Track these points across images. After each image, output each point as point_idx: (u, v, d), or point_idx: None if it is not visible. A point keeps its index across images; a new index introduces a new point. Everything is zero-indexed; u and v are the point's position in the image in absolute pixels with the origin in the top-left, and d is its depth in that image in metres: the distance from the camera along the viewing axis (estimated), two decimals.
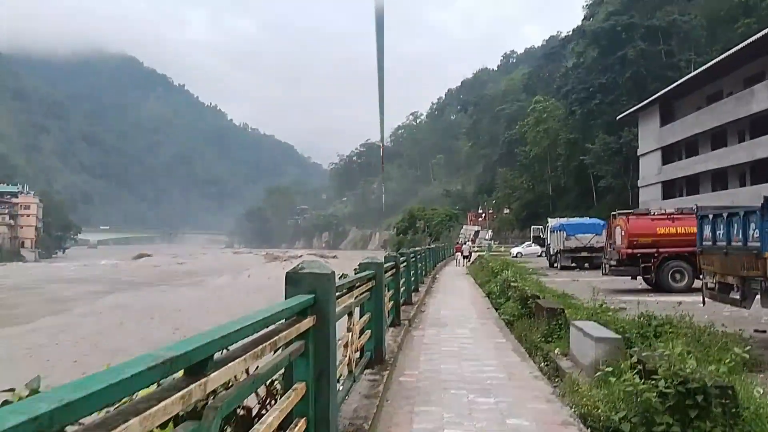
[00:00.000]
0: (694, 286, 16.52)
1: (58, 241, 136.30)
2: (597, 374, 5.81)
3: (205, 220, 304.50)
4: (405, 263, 12.40)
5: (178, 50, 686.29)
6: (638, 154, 48.60)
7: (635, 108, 47.28)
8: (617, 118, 51.61)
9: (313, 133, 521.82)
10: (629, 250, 17.07)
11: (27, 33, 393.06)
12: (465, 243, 45.27)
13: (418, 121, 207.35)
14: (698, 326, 7.31)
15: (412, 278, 15.02)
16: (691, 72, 42.73)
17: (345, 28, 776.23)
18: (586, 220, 30.58)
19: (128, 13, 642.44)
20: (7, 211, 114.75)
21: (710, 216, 8.83)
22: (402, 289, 11.70)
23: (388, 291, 8.02)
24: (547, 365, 7.55)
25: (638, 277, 17.87)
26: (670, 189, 42.92)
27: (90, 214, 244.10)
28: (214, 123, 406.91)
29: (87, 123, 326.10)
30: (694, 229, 16.68)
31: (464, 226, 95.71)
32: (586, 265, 28.20)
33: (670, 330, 6.87)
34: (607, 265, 18.39)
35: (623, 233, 17.40)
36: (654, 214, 18.17)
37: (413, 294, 14.29)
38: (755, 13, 46.84)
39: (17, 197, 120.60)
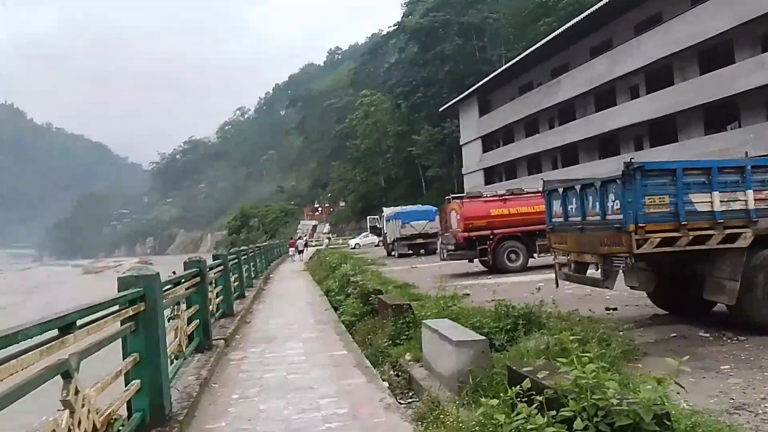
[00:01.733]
0: (529, 265, 16.80)
1: None
2: (463, 391, 4.50)
3: (8, 234, 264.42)
4: (220, 267, 10.11)
5: None
6: (461, 143, 50.91)
7: (455, 100, 49.39)
8: (440, 110, 53.65)
9: (131, 132, 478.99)
10: (465, 234, 16.80)
11: None
12: (300, 238, 43.55)
13: (245, 117, 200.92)
14: (571, 316, 6.41)
15: (236, 283, 12.83)
16: (502, 66, 45.57)
17: (158, 25, 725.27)
18: (419, 207, 30.95)
19: None
20: None
21: (560, 190, 7.97)
22: (218, 300, 9.67)
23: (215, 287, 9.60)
24: (397, 375, 6.16)
25: (475, 260, 17.75)
26: (491, 175, 45.47)
27: None
28: (8, 124, 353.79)
29: None
30: (527, 209, 16.95)
31: (301, 222, 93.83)
32: (422, 251, 28.60)
33: (542, 323, 5.85)
34: (444, 251, 18.03)
35: (458, 217, 17.13)
36: (486, 197, 18.15)
37: (237, 302, 12.12)
38: (554, 13, 51.45)
39: None
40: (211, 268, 8.76)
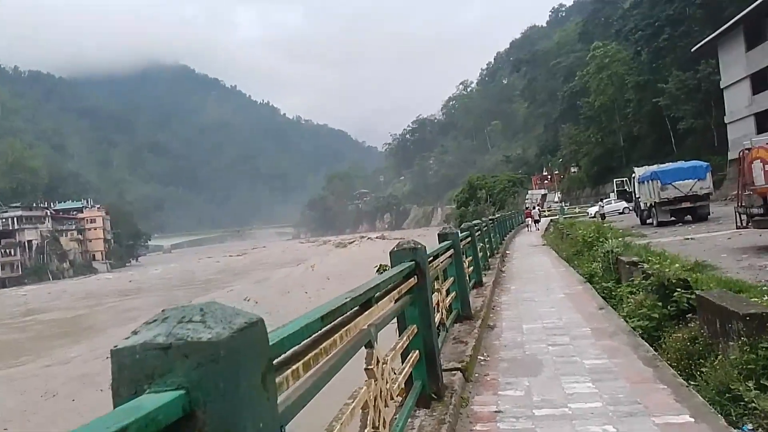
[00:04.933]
0: None
1: (129, 250, 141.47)
2: None
3: (273, 214, 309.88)
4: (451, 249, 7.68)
5: (228, 51, 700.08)
6: (722, 86, 43.24)
7: (713, 35, 41.97)
8: (693, 50, 46.23)
9: (365, 117, 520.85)
10: None
11: (86, 56, 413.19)
12: (535, 207, 41.78)
13: (468, 90, 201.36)
14: None
15: (470, 268, 9.67)
16: None
17: (383, 7, 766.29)
18: (683, 163, 25.77)
19: (178, 23, 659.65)
20: (74, 227, 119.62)
21: None
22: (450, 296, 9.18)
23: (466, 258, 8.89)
24: None
25: None
26: (765, 121, 37.72)
27: (163, 220, 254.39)
28: (269, 119, 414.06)
29: (151, 133, 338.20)
30: None
31: (529, 191, 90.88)
32: (688, 217, 24.17)
33: None
34: (743, 216, 13.69)
35: None
36: None
37: (473, 293, 9.27)
38: None
39: (82, 212, 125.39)
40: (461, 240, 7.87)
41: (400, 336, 3.76)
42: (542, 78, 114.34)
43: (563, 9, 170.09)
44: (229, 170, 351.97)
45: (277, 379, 1.43)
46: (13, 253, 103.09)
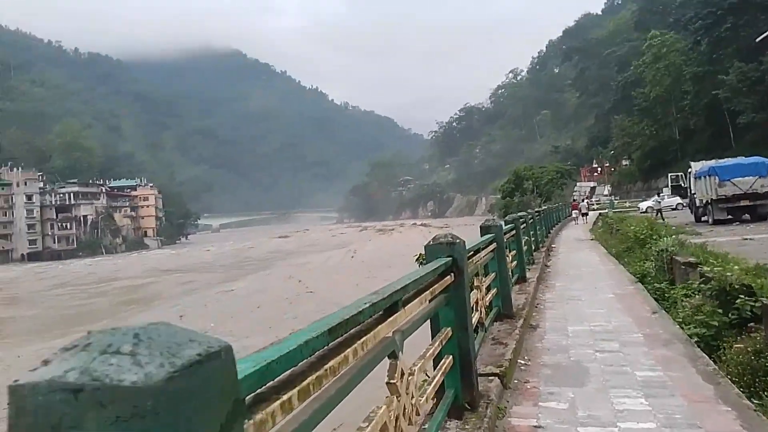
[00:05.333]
0: None
1: (179, 228, 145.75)
2: None
3: (317, 199, 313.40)
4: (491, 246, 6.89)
5: (277, 38, 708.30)
6: None
7: None
8: (756, 40, 43.68)
9: (411, 104, 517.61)
10: None
11: (141, 39, 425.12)
12: (584, 200, 40.57)
13: (518, 79, 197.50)
14: None
15: (513, 262, 9.03)
16: None
17: None
18: (743, 159, 24.29)
19: (228, 8, 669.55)
20: (128, 203, 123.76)
21: None
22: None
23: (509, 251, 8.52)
24: None
25: None
26: None
27: (211, 202, 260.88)
28: (317, 105, 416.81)
29: (201, 117, 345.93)
30: None
31: (578, 183, 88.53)
32: (746, 216, 22.77)
33: None
34: None
35: None
36: None
37: (516, 288, 8.74)
38: None
39: (136, 190, 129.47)
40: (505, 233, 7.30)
41: (432, 340, 3.44)
42: (594, 67, 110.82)
43: None
44: (276, 155, 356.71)
45: (257, 418, 1.11)
46: (69, 227, 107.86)
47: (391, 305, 2.40)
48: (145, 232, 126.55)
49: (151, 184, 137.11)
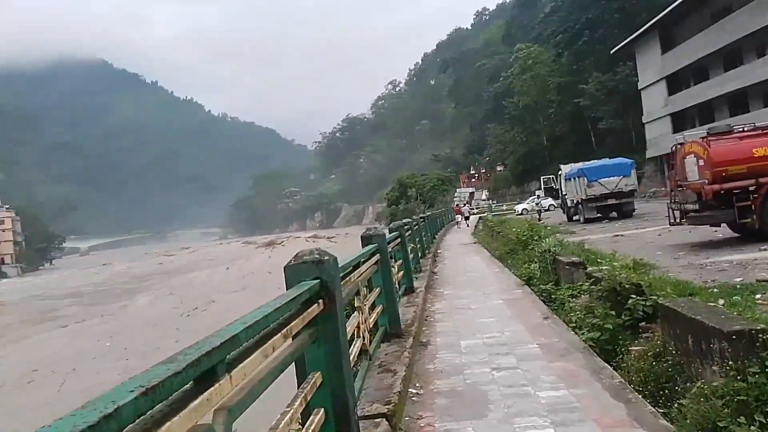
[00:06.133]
0: None
1: (42, 253, 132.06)
2: None
3: (197, 215, 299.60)
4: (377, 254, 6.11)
5: (147, 48, 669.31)
6: (639, 88, 44.86)
7: (631, 38, 43.41)
8: (611, 52, 47.78)
9: (294, 115, 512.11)
10: (715, 186, 11.71)
11: None
12: (465, 204, 41.85)
13: (398, 90, 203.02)
14: None
15: (400, 273, 8.49)
16: None
17: (311, 7, 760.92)
18: (608, 161, 26.03)
19: (93, 17, 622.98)
20: None
21: None
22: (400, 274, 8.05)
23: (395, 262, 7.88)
24: None
25: (722, 225, 12.83)
26: (680, 121, 39.26)
27: (78, 222, 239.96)
28: (191, 116, 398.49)
29: (64, 131, 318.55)
30: None
31: (457, 189, 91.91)
32: (613, 214, 24.37)
33: None
34: (677, 212, 13.25)
35: (702, 163, 12.08)
36: (743, 131, 12.57)
37: (404, 300, 8.27)
38: None
39: None
40: (389, 242, 6.70)
41: (298, 390, 2.55)
42: (468, 79, 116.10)
43: (487, 12, 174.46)
44: (147, 170, 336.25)
45: None
46: None
47: (208, 370, 1.50)
48: (2, 259, 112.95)
49: (7, 206, 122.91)
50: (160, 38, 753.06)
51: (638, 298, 6.10)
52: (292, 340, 2.54)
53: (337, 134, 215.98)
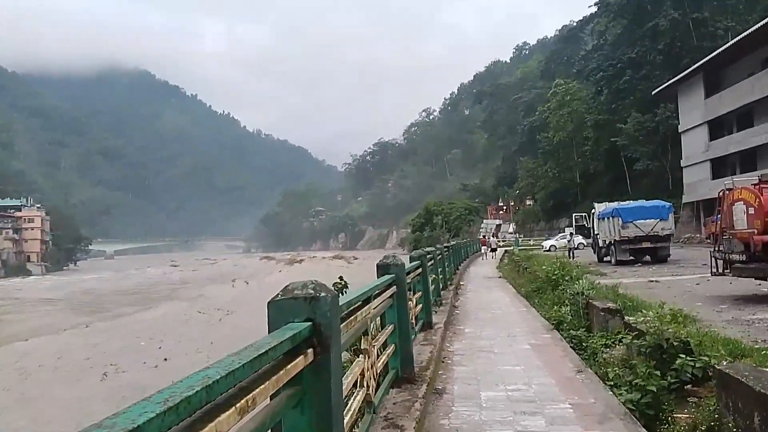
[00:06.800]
0: None
1: (68, 253, 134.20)
2: None
3: (225, 227, 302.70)
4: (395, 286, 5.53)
5: (191, 61, 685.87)
6: (679, 131, 43.61)
7: (674, 80, 42.43)
8: (653, 93, 46.77)
9: (326, 136, 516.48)
10: (766, 237, 10.70)
11: (44, 53, 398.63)
12: (494, 236, 41.16)
13: (431, 118, 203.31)
14: None
15: (418, 306, 7.83)
16: (729, 41, 37.82)
17: (353, 33, 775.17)
18: (645, 202, 24.95)
19: (141, 28, 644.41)
20: (10, 225, 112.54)
21: None
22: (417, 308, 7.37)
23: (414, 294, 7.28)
24: None
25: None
26: (721, 167, 37.92)
27: (110, 226, 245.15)
28: (228, 131, 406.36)
29: (105, 137, 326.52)
30: None
31: (484, 220, 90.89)
32: (648, 257, 23.27)
33: None
34: (720, 261, 12.26)
35: (752, 211, 11.12)
36: None
37: (420, 336, 7.67)
38: None
39: (21, 211, 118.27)
40: (408, 273, 6.01)
41: None
42: (503, 111, 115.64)
43: (527, 47, 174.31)
44: (184, 180, 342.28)
45: None
46: None
47: None
48: (28, 256, 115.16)
49: (38, 205, 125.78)
50: (204, 53, 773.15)
51: (686, 357, 5.34)
52: (276, 395, 1.96)
53: (368, 157, 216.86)
